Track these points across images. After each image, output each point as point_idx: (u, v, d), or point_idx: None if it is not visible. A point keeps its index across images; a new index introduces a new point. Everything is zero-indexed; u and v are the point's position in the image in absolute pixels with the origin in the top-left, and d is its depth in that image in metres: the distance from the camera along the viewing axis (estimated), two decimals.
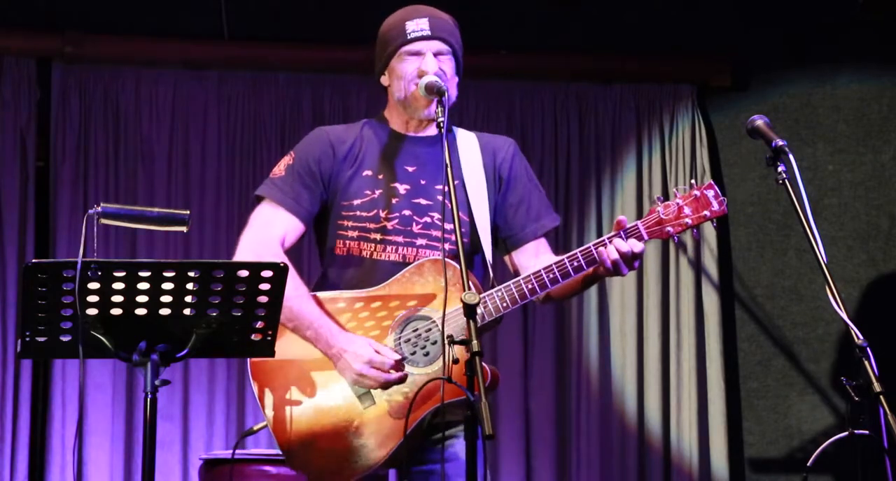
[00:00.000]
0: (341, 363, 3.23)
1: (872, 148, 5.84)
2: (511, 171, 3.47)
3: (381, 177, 3.38)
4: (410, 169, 3.40)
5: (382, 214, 3.35)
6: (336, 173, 3.39)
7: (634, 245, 3.22)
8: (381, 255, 3.34)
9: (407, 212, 3.36)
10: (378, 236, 3.34)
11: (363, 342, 3.23)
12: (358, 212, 3.36)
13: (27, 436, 5.47)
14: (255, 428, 3.66)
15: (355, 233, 3.35)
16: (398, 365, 3.22)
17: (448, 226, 3.26)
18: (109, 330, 2.80)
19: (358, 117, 5.76)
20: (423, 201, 3.37)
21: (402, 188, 3.37)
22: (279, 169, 3.42)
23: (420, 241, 3.34)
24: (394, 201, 3.36)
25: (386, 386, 3.22)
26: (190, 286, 2.77)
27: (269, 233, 3.35)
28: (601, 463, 5.80)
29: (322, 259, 3.46)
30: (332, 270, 3.39)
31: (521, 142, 5.90)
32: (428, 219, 3.36)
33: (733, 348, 5.92)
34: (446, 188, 3.04)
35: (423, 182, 3.38)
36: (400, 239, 3.34)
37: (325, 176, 3.39)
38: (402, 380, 3.22)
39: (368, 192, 3.37)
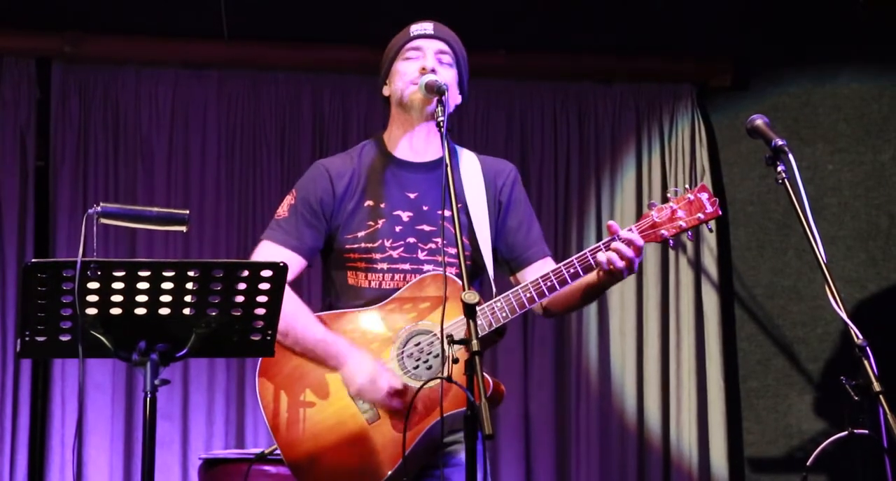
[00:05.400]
0: (347, 376, 3.26)
1: (872, 147, 5.84)
2: (511, 196, 3.48)
3: (382, 206, 3.39)
4: (412, 195, 3.40)
5: (387, 244, 3.36)
6: (337, 209, 3.40)
7: (634, 242, 3.22)
8: (388, 284, 3.35)
9: (411, 240, 3.36)
10: (385, 266, 3.35)
11: (371, 358, 3.26)
12: (363, 244, 3.36)
13: (27, 436, 5.47)
14: (267, 451, 3.67)
15: (362, 264, 3.36)
16: (400, 393, 3.23)
17: (451, 250, 3.26)
18: (109, 329, 2.79)
19: (358, 117, 5.83)
20: (426, 227, 3.37)
21: (404, 216, 3.38)
22: (283, 210, 3.44)
23: (427, 267, 3.35)
24: (397, 230, 3.36)
25: (383, 405, 3.24)
26: (190, 286, 2.77)
27: None
28: (601, 463, 5.80)
29: (328, 291, 3.47)
30: (337, 298, 3.40)
31: (520, 142, 5.96)
32: (433, 245, 3.36)
33: (733, 348, 5.92)
34: (447, 194, 3.02)
35: (425, 208, 3.38)
36: (407, 266, 3.35)
37: (328, 213, 3.40)
38: (401, 406, 3.23)
39: (371, 223, 3.37)
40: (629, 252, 3.21)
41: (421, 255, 3.36)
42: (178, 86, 5.81)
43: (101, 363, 5.41)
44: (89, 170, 5.68)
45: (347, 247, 3.37)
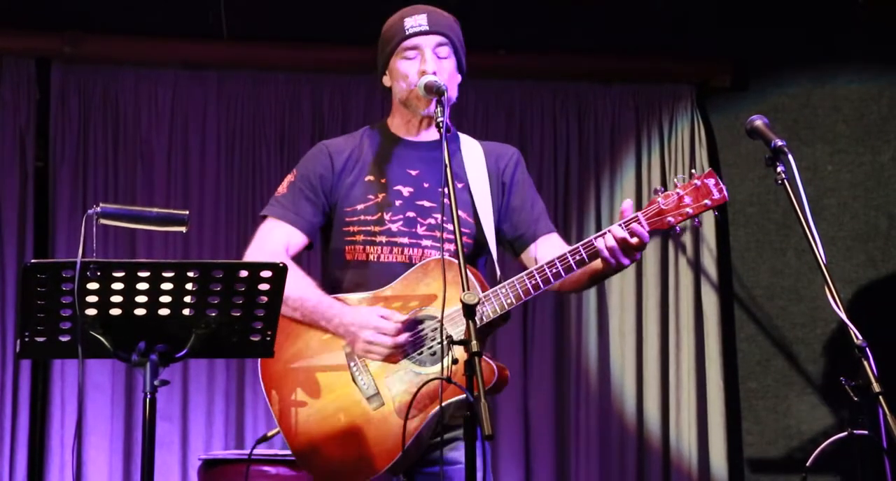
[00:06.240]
0: (349, 336, 3.25)
1: (872, 148, 5.84)
2: (514, 177, 3.48)
3: (383, 181, 3.40)
4: (413, 172, 3.41)
5: (386, 217, 3.36)
6: (337, 184, 3.41)
7: (632, 233, 3.21)
8: (387, 257, 3.35)
9: (411, 214, 3.36)
10: (383, 238, 3.35)
11: (367, 310, 3.25)
12: (362, 217, 3.37)
13: (26, 436, 5.47)
14: (269, 434, 3.67)
15: (360, 237, 3.37)
16: (407, 327, 3.22)
17: (449, 227, 3.26)
18: (108, 330, 2.79)
19: (358, 117, 5.83)
20: (426, 203, 3.37)
21: (405, 191, 3.39)
22: (282, 187, 3.45)
23: (426, 242, 3.35)
24: (397, 203, 3.37)
25: (395, 353, 3.21)
26: (189, 286, 2.77)
27: (270, 244, 3.37)
28: (601, 463, 5.80)
29: (326, 265, 3.47)
30: (338, 274, 3.41)
31: (520, 142, 5.95)
32: (432, 221, 3.36)
33: (732, 348, 5.92)
34: (446, 189, 3.04)
35: (426, 185, 3.39)
36: (405, 240, 3.35)
37: (327, 189, 3.41)
38: (411, 342, 3.22)
39: (371, 197, 3.38)
40: (632, 240, 3.19)
41: (420, 230, 3.36)
42: (177, 86, 5.81)
43: (101, 363, 5.41)
44: (89, 171, 5.68)
45: (347, 219, 3.38)
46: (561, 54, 6.01)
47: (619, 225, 3.21)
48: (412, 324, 3.25)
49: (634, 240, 3.19)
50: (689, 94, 6.06)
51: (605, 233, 3.21)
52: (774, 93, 5.95)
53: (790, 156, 3.23)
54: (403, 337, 3.22)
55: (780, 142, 3.25)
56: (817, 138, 5.88)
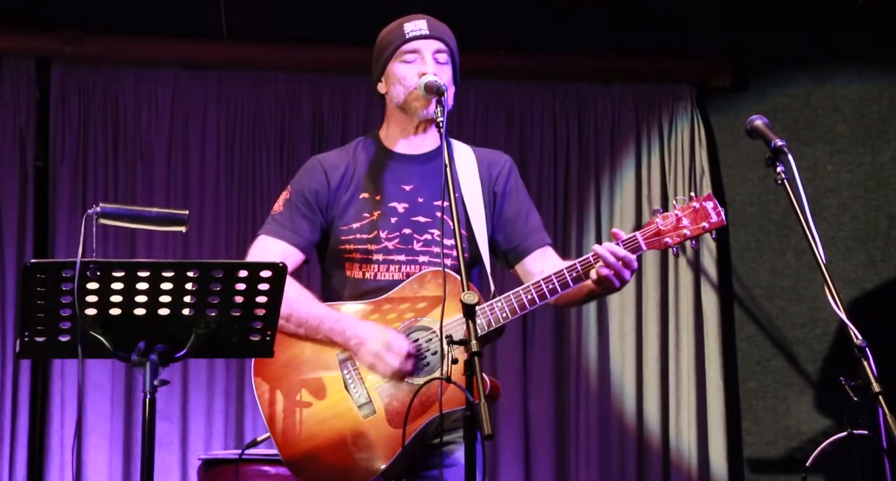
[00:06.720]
0: (361, 349, 3.24)
1: (871, 148, 5.84)
2: (506, 186, 3.47)
3: (378, 198, 3.39)
4: (407, 187, 3.40)
5: (383, 235, 3.36)
6: (333, 201, 3.40)
7: (623, 258, 3.21)
8: (384, 275, 3.35)
9: (407, 231, 3.36)
10: (380, 257, 3.35)
11: (381, 327, 3.25)
12: (358, 235, 3.37)
13: (26, 437, 5.47)
14: (259, 439, 3.66)
15: (358, 256, 3.36)
16: (413, 355, 3.24)
17: (448, 242, 3.26)
18: (108, 330, 2.80)
19: (358, 117, 5.84)
20: (422, 219, 3.37)
21: (400, 207, 3.38)
22: (278, 205, 3.44)
23: (423, 258, 3.35)
24: (393, 221, 3.36)
25: (398, 374, 3.22)
26: (189, 286, 2.77)
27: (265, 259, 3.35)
28: (600, 463, 5.80)
29: (324, 282, 3.47)
30: (336, 291, 3.40)
31: (520, 143, 5.96)
32: (428, 236, 3.36)
33: (732, 348, 5.92)
34: (446, 194, 3.03)
35: (420, 200, 3.39)
36: (402, 257, 3.35)
37: (322, 205, 3.41)
38: (412, 370, 3.23)
39: (367, 215, 3.38)
40: (614, 260, 3.20)
41: (416, 246, 3.36)
42: (177, 86, 5.81)
43: (101, 363, 5.41)
44: (89, 171, 5.67)
45: (343, 238, 3.38)
46: (561, 54, 6.01)
47: (617, 245, 3.23)
48: (415, 351, 3.25)
49: (615, 261, 3.19)
50: (689, 94, 6.05)
51: (596, 253, 3.22)
52: (774, 93, 5.95)
53: (790, 157, 3.23)
54: (411, 362, 3.23)
55: (779, 143, 3.26)
56: (817, 138, 5.88)
